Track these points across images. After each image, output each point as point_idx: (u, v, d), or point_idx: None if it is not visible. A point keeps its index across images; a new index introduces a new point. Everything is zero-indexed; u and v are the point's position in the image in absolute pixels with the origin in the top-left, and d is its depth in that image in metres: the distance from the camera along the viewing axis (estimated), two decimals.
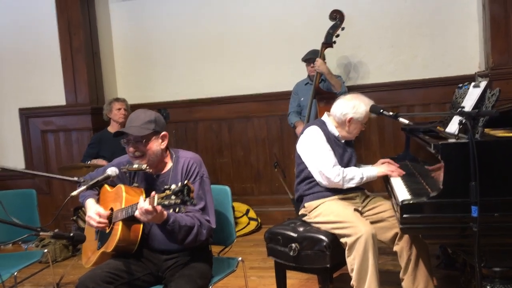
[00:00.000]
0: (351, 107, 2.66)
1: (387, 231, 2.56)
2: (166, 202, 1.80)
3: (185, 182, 1.81)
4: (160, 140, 2.21)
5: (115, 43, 5.17)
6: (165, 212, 1.96)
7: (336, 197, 2.66)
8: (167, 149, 2.30)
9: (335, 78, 3.99)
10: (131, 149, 2.17)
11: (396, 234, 2.49)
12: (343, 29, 4.00)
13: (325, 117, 2.80)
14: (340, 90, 3.95)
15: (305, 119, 4.05)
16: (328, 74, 3.94)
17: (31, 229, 1.76)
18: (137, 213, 1.93)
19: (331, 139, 2.70)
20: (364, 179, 2.62)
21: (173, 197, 1.79)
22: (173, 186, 1.82)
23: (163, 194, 1.82)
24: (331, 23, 4.01)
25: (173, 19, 4.94)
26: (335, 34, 4.00)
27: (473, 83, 2.48)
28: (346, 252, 2.44)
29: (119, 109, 4.21)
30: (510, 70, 3.85)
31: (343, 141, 2.75)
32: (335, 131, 2.73)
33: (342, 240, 2.47)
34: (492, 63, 3.91)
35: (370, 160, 4.29)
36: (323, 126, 2.73)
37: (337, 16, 4.01)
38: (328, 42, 3.99)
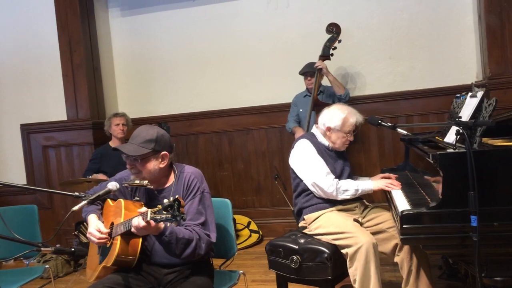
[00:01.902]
0: (329, 116, 2.71)
1: (387, 242, 2.55)
2: (158, 217, 1.84)
3: (176, 196, 1.84)
4: (159, 160, 2.19)
5: (115, 58, 5.22)
6: (161, 225, 1.97)
7: (335, 208, 2.66)
8: (171, 165, 2.29)
9: (337, 80, 4.07)
10: (128, 165, 2.19)
11: (396, 245, 2.48)
12: (340, 41, 4.05)
13: (314, 129, 2.84)
14: (344, 92, 4.03)
15: (304, 130, 4.07)
16: (331, 75, 4.02)
17: (32, 244, 1.76)
18: (133, 230, 1.95)
19: (322, 150, 2.72)
20: (359, 191, 2.63)
21: (164, 211, 1.83)
22: (165, 201, 1.85)
23: (156, 209, 1.86)
24: (328, 36, 4.06)
25: (173, 34, 4.99)
26: (332, 47, 4.05)
27: (470, 93, 2.50)
28: (347, 263, 2.44)
29: (118, 124, 4.24)
30: (507, 80, 3.88)
31: (333, 151, 2.77)
32: (325, 141, 2.76)
33: (343, 251, 2.47)
34: (489, 73, 3.94)
35: (370, 171, 4.32)
36: (313, 138, 2.76)
37: (333, 29, 4.06)
38: (326, 55, 4.04)
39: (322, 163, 2.66)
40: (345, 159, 2.85)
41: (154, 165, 2.17)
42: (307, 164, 2.67)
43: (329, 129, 2.71)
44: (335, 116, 2.69)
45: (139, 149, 2.13)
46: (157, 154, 2.18)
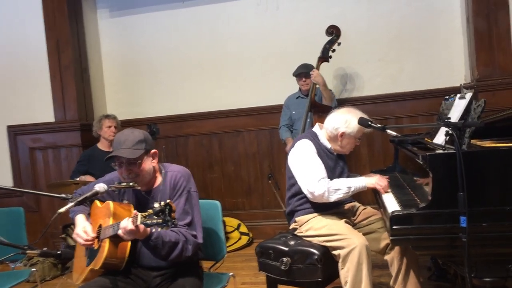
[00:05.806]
0: (343, 121, 2.61)
1: (378, 242, 2.56)
2: (149, 221, 1.82)
3: (167, 201, 1.83)
4: (151, 158, 2.21)
5: (104, 59, 5.18)
6: (148, 229, 1.94)
7: (327, 212, 2.63)
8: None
9: (328, 91, 4.03)
10: (124, 172, 2.15)
11: (388, 244, 2.49)
12: (339, 44, 4.05)
13: (316, 129, 2.75)
14: (331, 104, 3.99)
15: (298, 132, 4.05)
16: (323, 85, 3.98)
17: (18, 247, 1.74)
18: (120, 232, 1.93)
19: (322, 152, 2.66)
20: (352, 189, 2.53)
21: (155, 216, 1.81)
22: (156, 205, 1.83)
23: (146, 213, 1.84)
24: (326, 38, 4.06)
25: (162, 35, 4.97)
26: (332, 49, 4.05)
27: (458, 95, 2.51)
28: (339, 264, 2.42)
29: (109, 126, 4.19)
30: (494, 82, 3.92)
31: (335, 153, 2.72)
32: (327, 144, 2.69)
33: (335, 252, 2.45)
34: (477, 75, 3.98)
35: (360, 172, 4.28)
36: (315, 139, 2.68)
37: (333, 32, 4.07)
38: (325, 56, 4.04)
39: (320, 166, 2.57)
40: (344, 162, 2.79)
41: (148, 164, 2.18)
42: (304, 166, 2.58)
43: (342, 134, 2.62)
44: (352, 123, 2.59)
45: (134, 151, 2.12)
46: (148, 153, 2.19)
